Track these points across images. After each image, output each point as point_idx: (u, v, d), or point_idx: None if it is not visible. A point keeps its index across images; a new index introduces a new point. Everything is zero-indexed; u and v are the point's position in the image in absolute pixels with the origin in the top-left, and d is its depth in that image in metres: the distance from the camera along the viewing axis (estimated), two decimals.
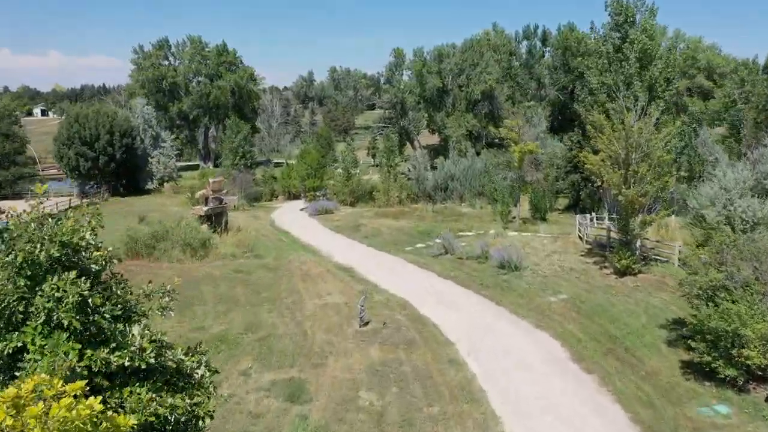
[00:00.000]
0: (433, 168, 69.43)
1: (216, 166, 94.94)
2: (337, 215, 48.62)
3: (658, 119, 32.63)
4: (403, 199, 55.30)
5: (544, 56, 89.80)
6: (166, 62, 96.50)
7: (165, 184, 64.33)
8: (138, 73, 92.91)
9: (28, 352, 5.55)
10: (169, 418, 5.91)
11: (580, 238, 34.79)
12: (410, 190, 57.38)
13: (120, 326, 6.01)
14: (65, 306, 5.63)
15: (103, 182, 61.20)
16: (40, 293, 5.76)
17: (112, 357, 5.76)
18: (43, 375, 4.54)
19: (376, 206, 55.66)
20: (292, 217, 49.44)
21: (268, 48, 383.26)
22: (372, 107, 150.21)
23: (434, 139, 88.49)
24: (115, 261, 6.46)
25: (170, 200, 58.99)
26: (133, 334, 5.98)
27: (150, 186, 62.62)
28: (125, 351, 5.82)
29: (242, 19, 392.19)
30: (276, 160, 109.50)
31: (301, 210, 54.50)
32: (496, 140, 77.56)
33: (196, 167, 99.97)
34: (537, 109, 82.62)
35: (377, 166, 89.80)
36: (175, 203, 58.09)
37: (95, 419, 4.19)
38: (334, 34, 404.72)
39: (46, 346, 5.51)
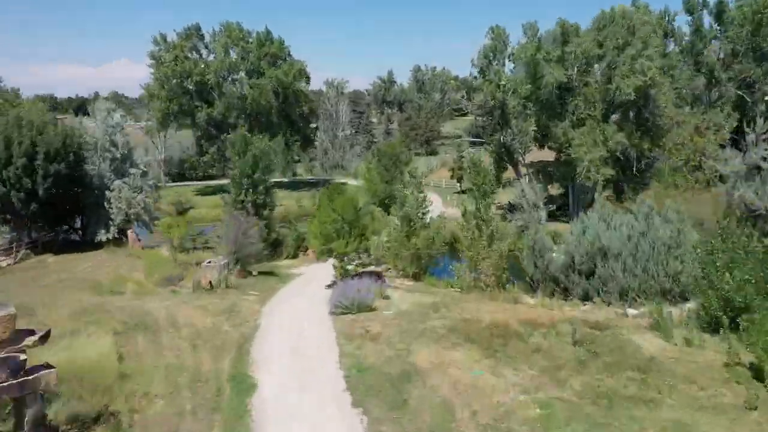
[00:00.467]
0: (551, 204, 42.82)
1: None
2: (377, 319, 23.25)
3: None
4: (503, 281, 29.35)
5: (716, 38, 60.53)
6: (195, 55, 75.12)
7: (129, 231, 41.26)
8: (157, 70, 71.88)
9: None
10: None
11: None
12: (515, 261, 31.54)
13: None
14: None
15: (26, 228, 39.27)
16: None
17: None
18: None
19: (455, 287, 29.98)
20: (295, 311, 24.75)
21: (343, 45, 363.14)
22: (463, 113, 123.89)
23: (542, 155, 61.09)
24: None
25: (124, 264, 35.97)
26: None
27: (102, 236, 39.79)
28: None
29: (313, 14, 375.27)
30: (340, 179, 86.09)
31: (327, 287, 29.89)
32: (647, 164, 49.42)
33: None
34: (718, 116, 53.64)
35: (463, 192, 63.80)
36: (124, 268, 34.92)
37: None
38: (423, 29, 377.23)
39: None
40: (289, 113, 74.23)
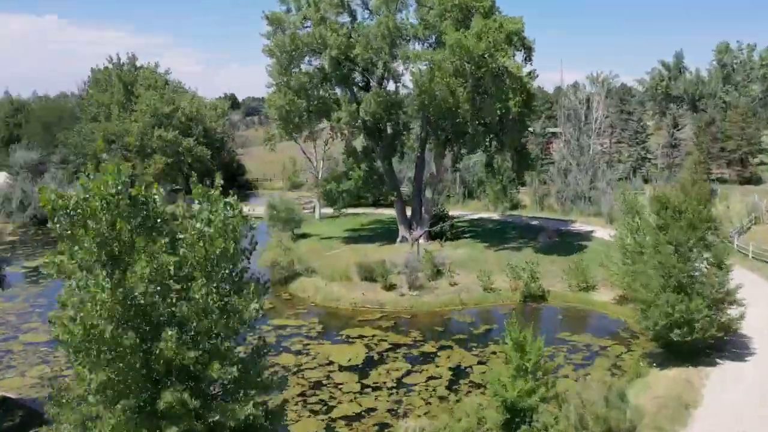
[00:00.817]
0: None
1: (436, 237, 42.03)
2: None
3: None
4: None
5: None
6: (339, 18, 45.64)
7: None
8: (275, 39, 44.33)
9: None
10: None
11: None
12: None
13: None
14: None
15: None
16: None
17: None
18: None
19: None
20: None
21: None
22: None
23: None
24: None
25: None
26: None
27: None
28: None
29: None
30: (580, 224, 51.36)
31: None
32: None
33: (387, 236, 48.01)
34: None
35: None
36: None
37: None
38: None
39: None
40: (488, 111, 40.81)
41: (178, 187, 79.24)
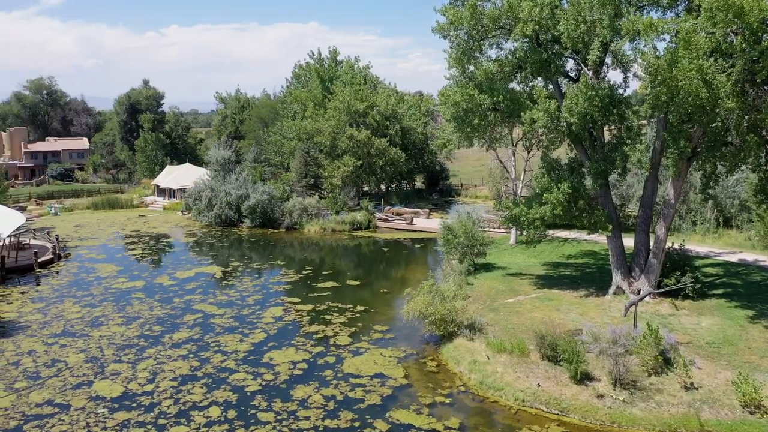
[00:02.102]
0: None
1: (669, 293, 29.40)
2: None
3: None
4: None
5: None
6: None
7: None
8: (450, 13, 33.60)
9: None
10: None
11: None
12: None
13: None
14: None
15: None
16: None
17: None
18: None
19: None
20: None
21: None
22: None
23: None
24: None
25: None
26: None
27: None
28: None
29: None
30: None
31: None
32: None
33: (596, 281, 35.12)
34: None
35: None
36: None
37: None
38: None
39: None
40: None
41: (367, 189, 72.73)
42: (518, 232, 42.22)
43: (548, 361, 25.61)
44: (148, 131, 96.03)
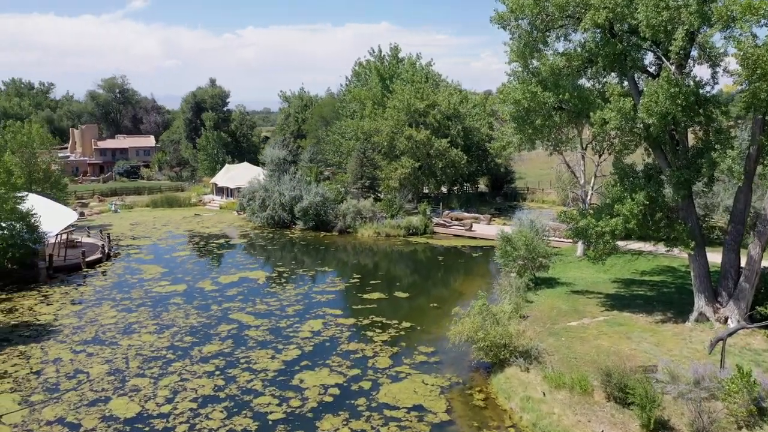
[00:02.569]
0: None
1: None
2: None
3: None
4: None
5: None
6: None
7: None
8: (510, 1, 30.12)
9: None
10: None
11: None
12: None
13: None
14: None
15: None
16: None
17: None
18: None
19: None
20: None
21: None
22: None
23: None
24: None
25: None
26: None
27: None
28: None
29: None
30: None
31: None
32: None
33: (675, 304, 30.84)
34: None
35: None
36: None
37: None
38: None
39: None
40: None
41: (427, 191, 69.64)
42: (585, 245, 38.20)
43: (615, 403, 21.87)
44: (209, 129, 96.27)
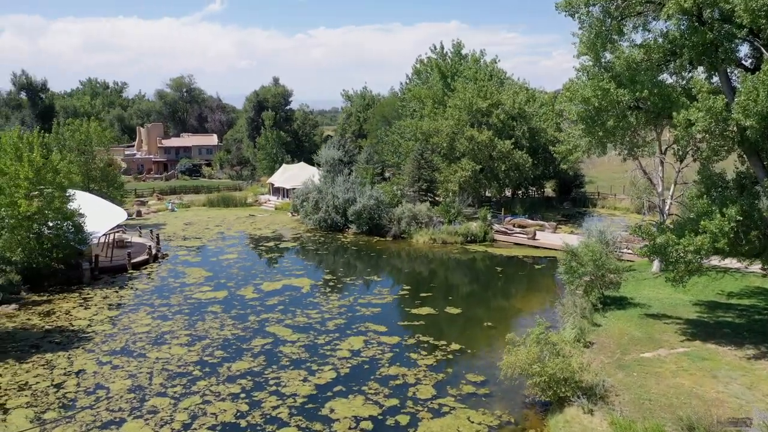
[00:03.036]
0: None
1: None
2: None
3: None
4: None
5: None
6: None
7: None
8: None
9: None
10: None
11: None
12: None
13: None
14: None
15: None
16: None
17: None
18: None
19: None
20: None
21: None
22: None
23: None
24: None
25: None
26: None
27: None
28: None
29: None
30: None
31: None
32: None
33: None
34: None
35: None
36: None
37: None
38: None
39: None
40: None
41: (488, 194, 65.97)
42: (662, 263, 33.90)
43: None
44: (268, 128, 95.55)
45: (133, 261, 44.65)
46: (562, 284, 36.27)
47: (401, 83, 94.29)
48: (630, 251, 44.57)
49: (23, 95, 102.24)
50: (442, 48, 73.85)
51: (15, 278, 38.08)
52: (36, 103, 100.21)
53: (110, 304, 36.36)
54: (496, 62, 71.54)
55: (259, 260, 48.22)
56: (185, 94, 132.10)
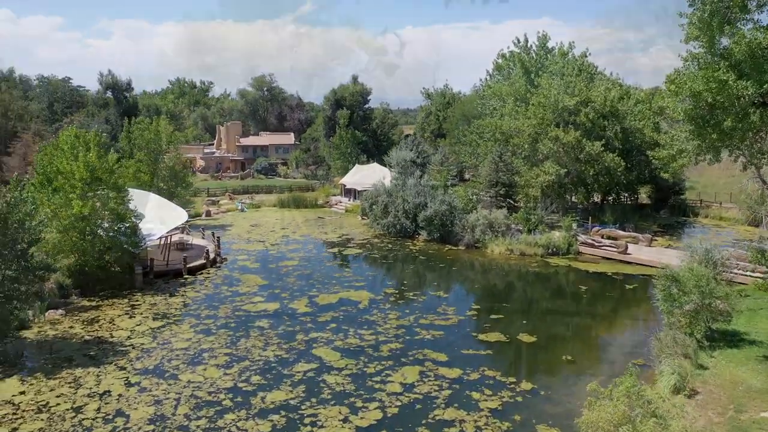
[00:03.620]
0: None
1: None
2: None
3: None
4: None
5: None
6: None
7: None
8: None
9: None
10: None
11: None
12: None
13: None
14: None
15: None
16: None
17: None
18: None
19: None
20: None
21: None
22: None
23: None
24: None
25: None
26: None
27: None
28: None
29: None
30: None
31: None
32: None
33: None
34: None
35: None
36: None
37: None
38: None
39: None
40: None
41: (575, 200, 60.32)
42: None
43: None
44: (343, 127, 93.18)
45: (189, 265, 42.78)
46: (659, 311, 30.84)
47: (480, 80, 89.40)
48: (742, 272, 38.28)
49: (109, 94, 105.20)
50: (526, 41, 68.50)
51: (65, 282, 36.83)
52: (120, 101, 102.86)
53: (156, 314, 34.28)
54: (586, 56, 65.46)
55: (319, 268, 45.21)
56: (266, 92, 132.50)
